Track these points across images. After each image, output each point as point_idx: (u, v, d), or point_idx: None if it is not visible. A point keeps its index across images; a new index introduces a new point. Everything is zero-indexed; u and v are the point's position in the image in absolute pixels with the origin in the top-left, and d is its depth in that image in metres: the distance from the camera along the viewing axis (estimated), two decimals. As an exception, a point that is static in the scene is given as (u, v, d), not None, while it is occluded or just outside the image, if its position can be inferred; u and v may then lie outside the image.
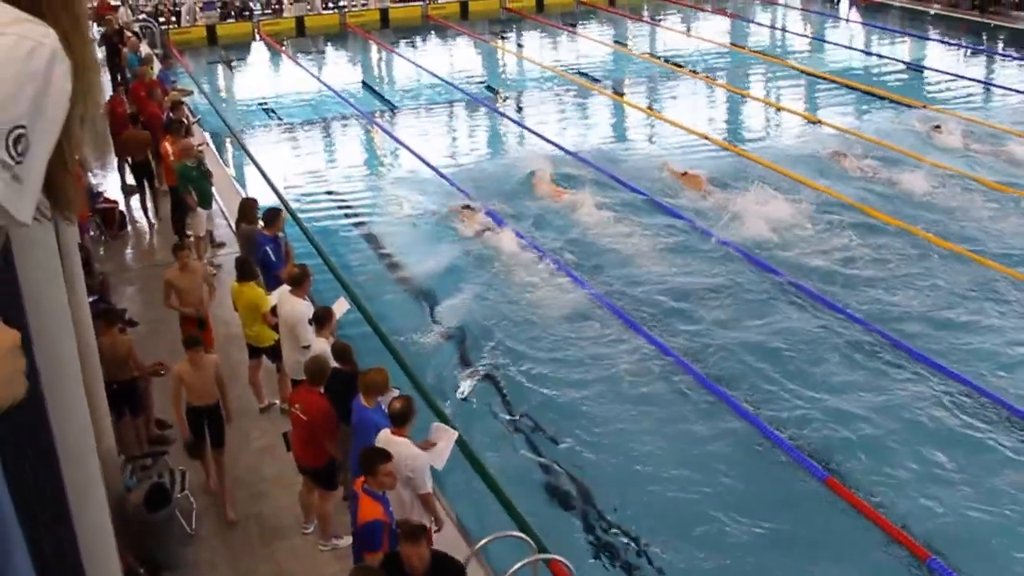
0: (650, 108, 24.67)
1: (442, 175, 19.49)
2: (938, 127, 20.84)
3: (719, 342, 13.16)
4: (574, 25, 35.71)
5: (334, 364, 9.29)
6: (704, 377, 12.26)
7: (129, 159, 17.47)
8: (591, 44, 32.71)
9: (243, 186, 19.06)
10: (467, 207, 17.39)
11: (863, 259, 15.37)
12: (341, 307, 10.99)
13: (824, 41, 31.72)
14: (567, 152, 20.57)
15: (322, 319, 9.98)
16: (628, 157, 20.29)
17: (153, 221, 17.31)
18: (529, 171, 19.23)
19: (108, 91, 20.65)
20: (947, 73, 26.63)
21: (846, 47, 30.69)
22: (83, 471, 2.54)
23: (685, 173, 18.61)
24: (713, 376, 12.35)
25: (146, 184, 17.47)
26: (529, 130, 22.45)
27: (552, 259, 15.50)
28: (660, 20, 36.37)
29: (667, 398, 11.98)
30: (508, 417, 11.80)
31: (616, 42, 33.20)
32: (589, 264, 15.52)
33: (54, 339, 2.58)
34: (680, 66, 28.61)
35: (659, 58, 30.34)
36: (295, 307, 10.51)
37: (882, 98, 23.90)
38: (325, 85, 27.76)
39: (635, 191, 18.24)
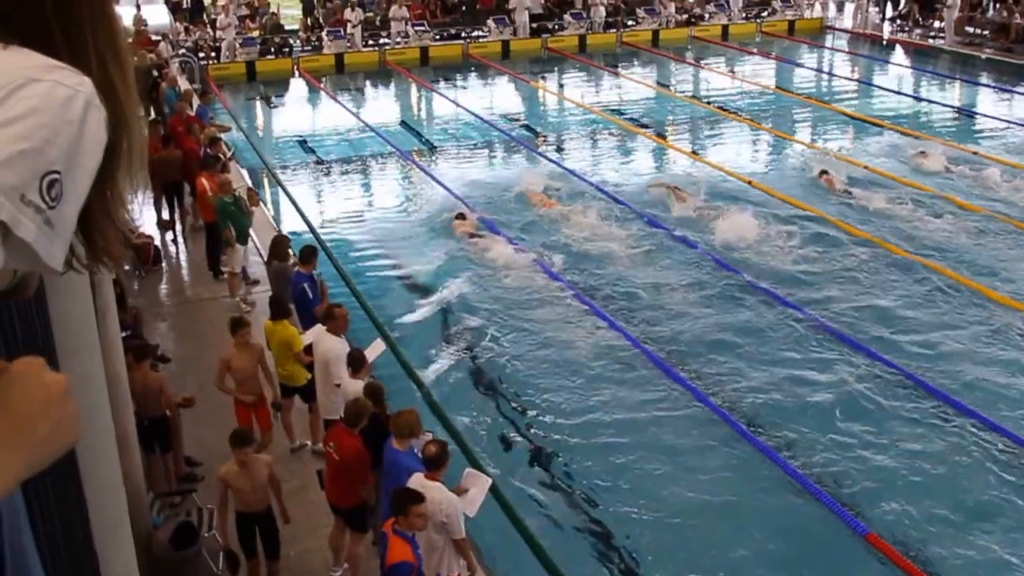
0: (693, 151, 24.65)
1: (484, 219, 19.50)
2: (923, 152, 22.22)
3: (743, 379, 13.23)
4: (616, 66, 35.90)
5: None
6: (739, 424, 12.15)
7: (164, 193, 17.83)
8: (633, 85, 32.87)
9: (279, 223, 19.23)
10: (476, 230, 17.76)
11: (908, 305, 15.25)
12: (377, 349, 11.01)
13: (871, 85, 31.65)
14: (606, 194, 20.57)
15: (357, 362, 10.00)
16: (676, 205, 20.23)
17: (183, 252, 17.58)
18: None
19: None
20: (1000, 119, 26.47)
21: (894, 92, 30.61)
22: (111, 512, 2.55)
23: (676, 188, 20.11)
24: (743, 417, 12.32)
25: (176, 204, 17.98)
26: (568, 171, 22.49)
27: (591, 305, 15.54)
28: (704, 62, 36.49)
29: (701, 444, 11.87)
30: (539, 461, 11.76)
31: (659, 84, 33.33)
32: (632, 311, 15.54)
33: (85, 380, 2.59)
34: (724, 109, 28.65)
35: (702, 100, 30.41)
36: (330, 345, 10.55)
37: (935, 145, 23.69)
38: (363, 123, 28.06)
39: (675, 236, 18.23)
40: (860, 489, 10.98)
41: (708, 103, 29.77)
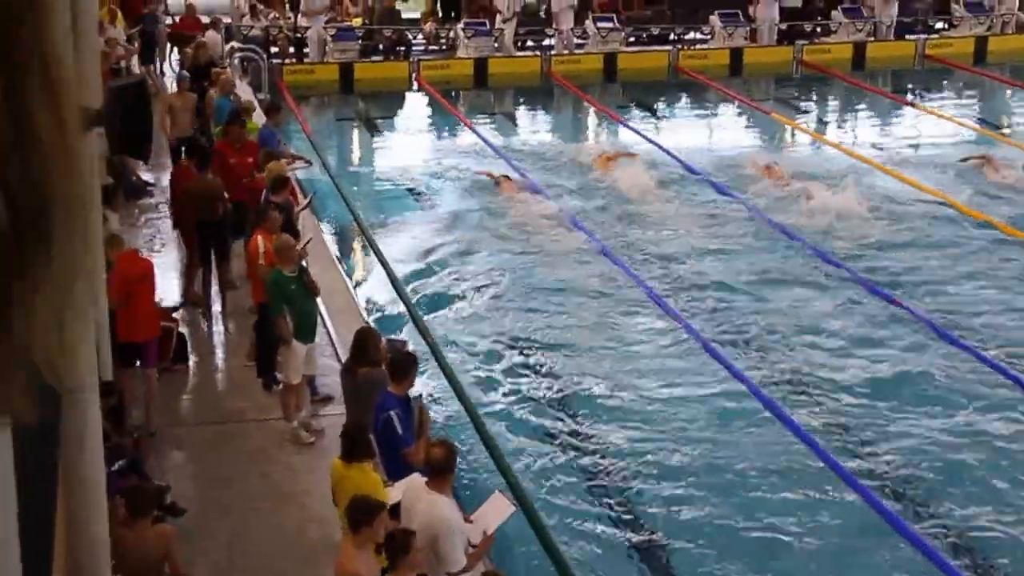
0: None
1: (673, 314, 19.31)
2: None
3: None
4: (912, 92, 35.43)
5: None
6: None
7: (201, 248, 18.25)
8: (940, 123, 32.15)
9: (371, 310, 19.38)
10: None
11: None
12: (500, 510, 10.86)
13: None
14: (893, 303, 20.11)
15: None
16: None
17: (221, 345, 17.86)
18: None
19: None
20: None
21: None
22: None
23: (768, 166, 26.96)
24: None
25: (216, 267, 18.51)
26: (831, 262, 22.00)
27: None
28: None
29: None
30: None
31: (982, 121, 32.66)
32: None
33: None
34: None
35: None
36: (435, 508, 10.44)
37: None
38: (509, 163, 28.18)
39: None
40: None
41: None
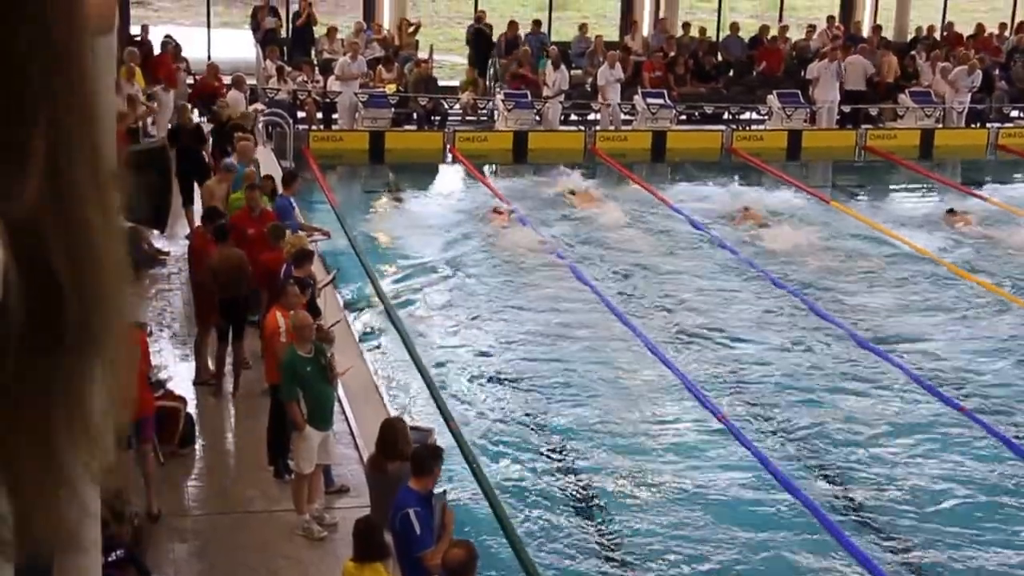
0: None
1: (708, 406, 19.31)
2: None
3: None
4: (980, 183, 35.34)
5: None
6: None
7: (218, 321, 18.27)
8: (1009, 219, 31.99)
9: (394, 396, 19.34)
10: None
11: None
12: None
13: None
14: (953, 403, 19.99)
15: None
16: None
17: (232, 428, 17.80)
18: None
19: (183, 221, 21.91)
20: None
21: None
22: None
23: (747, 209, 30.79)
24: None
25: (231, 343, 18.41)
26: (899, 365, 21.92)
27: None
28: None
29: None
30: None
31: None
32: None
33: None
34: None
35: None
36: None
37: None
38: (542, 241, 28.15)
39: None
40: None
41: None
